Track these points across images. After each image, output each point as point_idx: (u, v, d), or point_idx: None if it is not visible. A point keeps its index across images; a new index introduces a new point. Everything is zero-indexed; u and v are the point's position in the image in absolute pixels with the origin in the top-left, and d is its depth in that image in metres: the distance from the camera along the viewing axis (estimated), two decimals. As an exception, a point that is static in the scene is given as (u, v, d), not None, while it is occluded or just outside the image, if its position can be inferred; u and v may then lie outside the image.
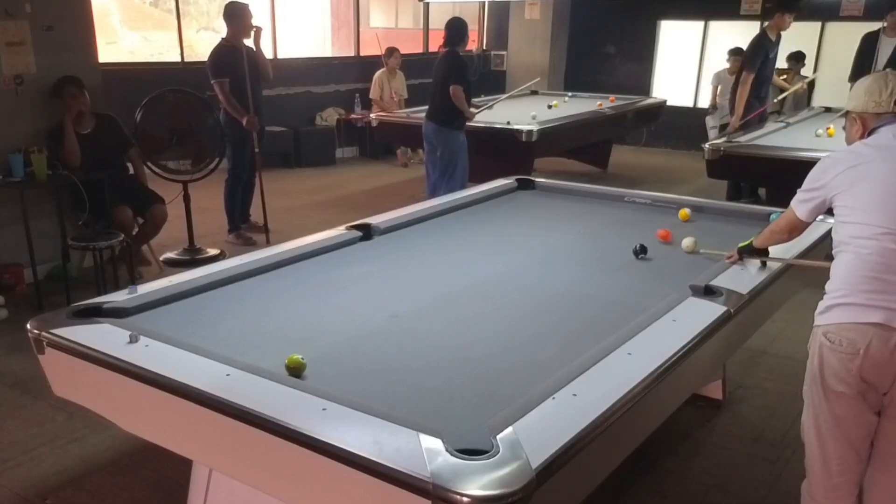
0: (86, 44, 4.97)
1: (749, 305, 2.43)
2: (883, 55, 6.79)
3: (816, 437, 2.11)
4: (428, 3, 10.17)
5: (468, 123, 5.97)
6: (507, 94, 6.30)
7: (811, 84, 8.72)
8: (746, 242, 2.74)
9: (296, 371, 1.90)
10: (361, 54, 9.59)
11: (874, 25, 8.05)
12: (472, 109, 5.94)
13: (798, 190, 2.30)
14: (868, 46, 7.08)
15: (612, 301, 2.53)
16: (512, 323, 2.34)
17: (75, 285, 4.49)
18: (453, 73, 5.78)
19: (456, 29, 5.88)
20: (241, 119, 5.43)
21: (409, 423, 1.59)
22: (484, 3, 10.77)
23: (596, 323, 2.30)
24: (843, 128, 2.37)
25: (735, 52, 8.65)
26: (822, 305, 2.10)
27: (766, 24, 6.59)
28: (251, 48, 5.56)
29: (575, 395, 1.74)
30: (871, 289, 1.98)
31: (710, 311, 2.28)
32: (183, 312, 2.36)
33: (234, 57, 5.41)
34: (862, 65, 6.83)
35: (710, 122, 8.53)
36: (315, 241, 3.02)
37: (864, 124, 2.22)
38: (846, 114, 2.32)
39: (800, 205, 2.30)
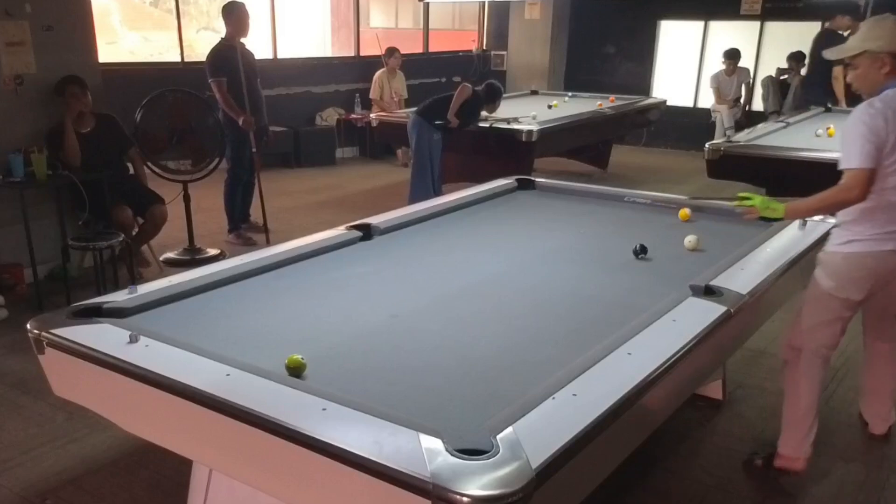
0: (86, 44, 4.97)
1: (749, 305, 2.43)
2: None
3: (820, 320, 2.70)
4: (428, 3, 10.17)
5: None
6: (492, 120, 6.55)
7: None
8: (775, 208, 2.68)
9: (296, 371, 1.90)
10: (361, 54, 9.58)
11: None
12: (456, 119, 6.17)
13: (850, 149, 2.44)
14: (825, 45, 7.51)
15: (611, 301, 2.53)
16: (512, 323, 2.34)
17: (75, 285, 4.49)
18: (462, 107, 6.12)
19: (492, 90, 6.31)
20: (237, 118, 5.44)
21: (409, 423, 1.59)
22: (484, 3, 10.77)
23: (596, 323, 2.30)
24: (852, 66, 2.58)
25: (729, 55, 8.67)
26: (842, 237, 2.60)
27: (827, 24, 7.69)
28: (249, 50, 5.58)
29: (575, 395, 1.74)
30: (890, 229, 2.53)
31: (710, 311, 2.28)
32: (183, 312, 2.36)
33: (232, 56, 5.42)
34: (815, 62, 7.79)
35: (727, 121, 8.54)
36: (315, 241, 3.02)
37: (894, 64, 2.49)
38: (858, 55, 2.53)
39: (866, 158, 2.42)
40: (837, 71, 7.23)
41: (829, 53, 2.71)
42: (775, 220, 2.91)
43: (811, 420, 2.75)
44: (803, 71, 8.44)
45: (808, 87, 7.94)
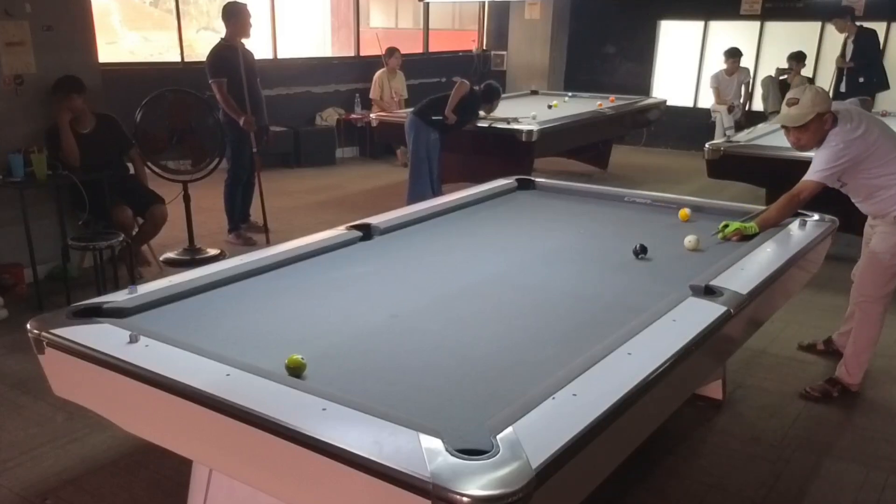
0: (86, 44, 4.96)
1: (749, 305, 2.43)
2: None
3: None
4: (428, 3, 10.17)
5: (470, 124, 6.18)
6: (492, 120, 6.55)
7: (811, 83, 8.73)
8: (749, 226, 3.11)
9: (296, 371, 1.90)
10: (361, 54, 9.58)
11: (874, 25, 8.07)
12: (453, 115, 6.18)
13: (816, 170, 3.13)
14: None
15: (611, 301, 2.53)
16: (512, 323, 2.34)
17: (75, 285, 4.49)
18: (459, 104, 6.14)
19: (490, 90, 6.37)
20: (238, 119, 5.44)
21: (409, 423, 1.59)
22: (484, 3, 10.77)
23: (596, 323, 2.30)
24: (802, 129, 3.11)
25: (731, 53, 8.66)
26: None
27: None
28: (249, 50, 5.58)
29: (575, 395, 1.74)
30: None
31: (710, 311, 2.28)
32: (183, 312, 2.36)
33: (232, 57, 5.42)
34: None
35: (727, 121, 8.53)
36: (315, 241, 3.02)
37: (832, 119, 3.12)
38: (811, 119, 3.07)
39: (827, 178, 3.13)
40: None
41: (784, 121, 3.13)
42: (754, 235, 3.11)
43: (872, 351, 3.48)
44: (803, 71, 8.45)
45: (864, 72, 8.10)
